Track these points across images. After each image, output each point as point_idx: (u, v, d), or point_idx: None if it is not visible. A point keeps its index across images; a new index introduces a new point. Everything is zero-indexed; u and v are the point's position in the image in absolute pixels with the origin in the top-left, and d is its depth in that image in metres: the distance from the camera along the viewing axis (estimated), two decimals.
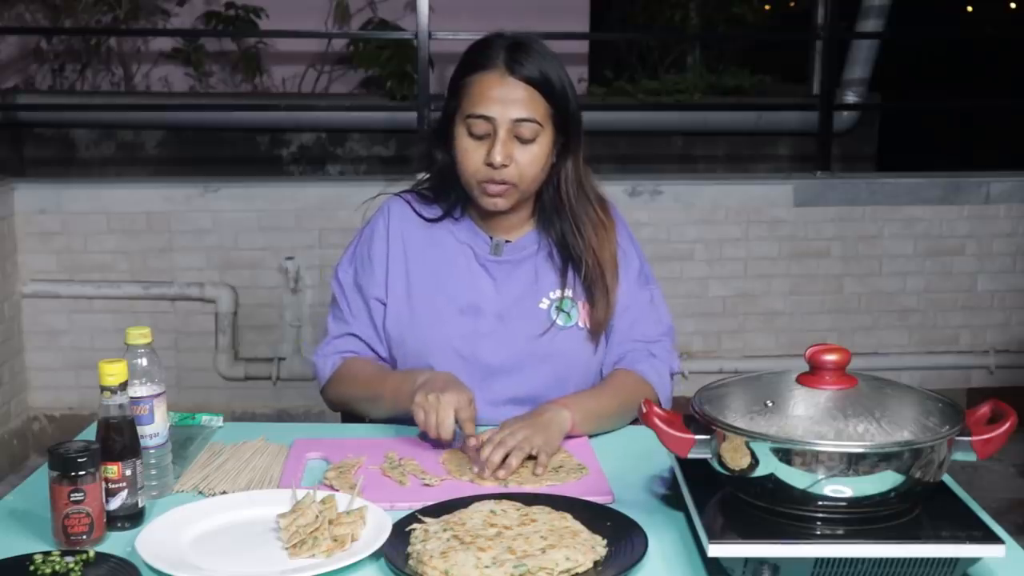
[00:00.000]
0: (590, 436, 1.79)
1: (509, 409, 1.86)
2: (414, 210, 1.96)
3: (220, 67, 5.86)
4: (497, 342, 1.88)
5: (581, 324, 1.90)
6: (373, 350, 1.96)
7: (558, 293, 1.90)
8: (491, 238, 1.93)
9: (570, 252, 1.90)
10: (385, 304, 1.93)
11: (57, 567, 1.28)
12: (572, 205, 1.89)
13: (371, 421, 1.95)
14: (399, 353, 1.92)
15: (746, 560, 1.23)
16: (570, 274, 1.91)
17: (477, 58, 1.83)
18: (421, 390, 1.69)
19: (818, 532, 1.25)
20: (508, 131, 1.79)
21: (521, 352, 1.88)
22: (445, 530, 1.34)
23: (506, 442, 1.62)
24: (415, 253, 1.93)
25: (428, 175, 1.98)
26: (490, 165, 1.79)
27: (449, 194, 1.94)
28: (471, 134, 1.81)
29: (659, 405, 1.38)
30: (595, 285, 1.89)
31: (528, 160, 1.81)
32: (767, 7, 6.88)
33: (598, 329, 1.90)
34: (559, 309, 1.90)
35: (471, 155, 1.81)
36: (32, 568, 1.29)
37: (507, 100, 1.78)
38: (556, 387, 1.84)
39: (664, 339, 1.96)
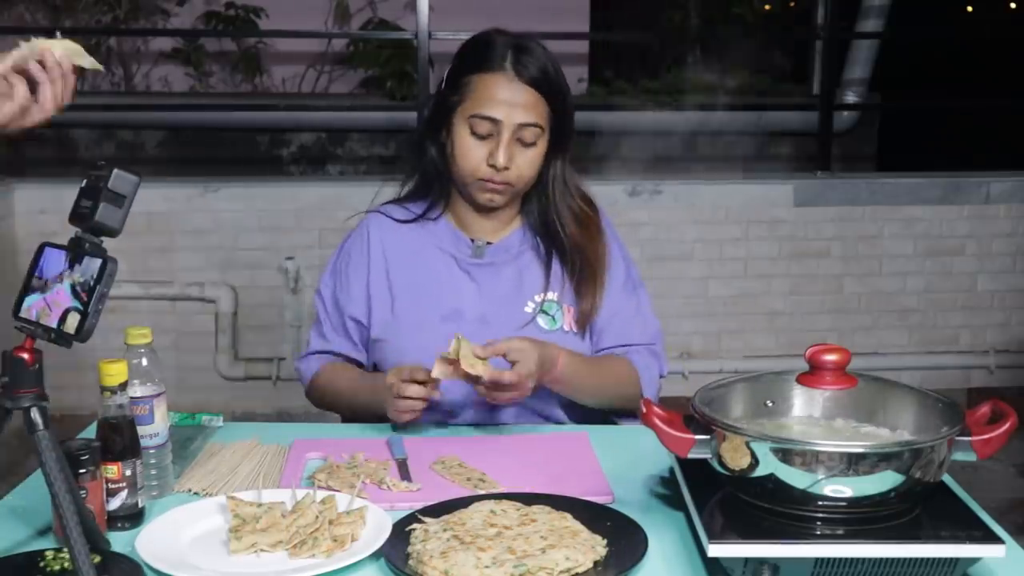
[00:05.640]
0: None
1: (497, 414, 1.87)
2: (392, 218, 1.96)
3: (220, 67, 5.87)
4: None
5: (566, 327, 1.90)
6: (350, 360, 1.98)
7: (543, 295, 1.90)
8: (472, 240, 1.93)
9: (555, 247, 1.91)
10: (362, 323, 1.94)
11: (66, 564, 1.28)
12: (556, 201, 1.90)
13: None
14: (387, 361, 1.91)
15: (746, 560, 1.23)
16: (555, 276, 1.91)
17: (482, 56, 1.83)
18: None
19: (818, 532, 1.25)
20: (512, 133, 1.80)
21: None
22: (445, 530, 1.34)
23: (511, 391, 1.69)
24: (397, 265, 1.93)
25: (412, 180, 1.98)
26: (492, 166, 1.81)
27: (431, 189, 1.94)
28: (473, 133, 1.82)
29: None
30: (582, 279, 1.90)
31: (527, 163, 1.83)
32: (767, 7, 6.88)
33: (583, 323, 1.90)
34: (543, 312, 1.89)
35: (472, 153, 1.82)
36: (43, 564, 1.29)
37: (514, 103, 1.80)
38: (542, 390, 1.83)
39: (653, 344, 1.96)
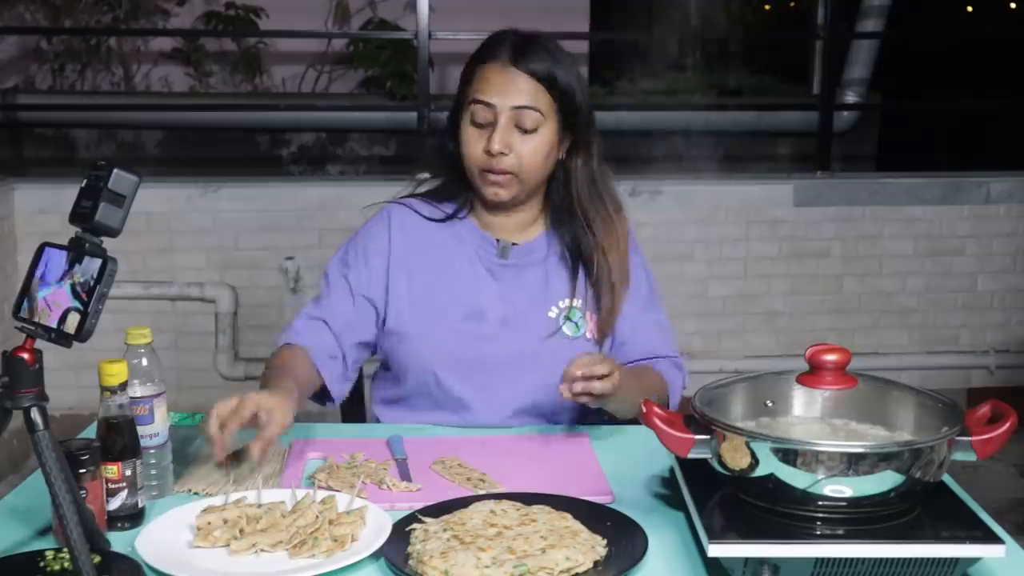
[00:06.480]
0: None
1: (512, 417, 1.86)
2: (417, 212, 1.93)
3: (220, 67, 5.86)
4: (501, 348, 1.85)
5: (588, 335, 1.88)
6: (339, 342, 1.87)
7: (567, 302, 1.88)
8: (497, 241, 1.91)
9: (581, 253, 1.89)
10: (376, 306, 1.90)
11: (66, 564, 1.28)
12: (583, 204, 1.87)
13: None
14: (402, 355, 1.89)
15: (746, 560, 1.23)
16: (580, 282, 1.89)
17: (485, 49, 1.84)
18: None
19: (818, 532, 1.25)
20: (509, 119, 1.79)
21: (526, 360, 1.85)
22: (445, 530, 1.34)
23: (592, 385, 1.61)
24: (418, 258, 1.90)
25: (430, 176, 1.97)
26: (488, 153, 1.80)
27: (459, 190, 1.92)
28: (474, 122, 1.82)
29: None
30: (602, 284, 1.88)
31: (528, 150, 1.81)
32: (767, 7, 6.88)
33: (603, 330, 1.89)
34: (568, 319, 1.88)
35: (473, 143, 1.82)
36: (43, 564, 1.29)
37: (508, 89, 1.79)
38: (540, 389, 1.82)
39: (676, 356, 1.96)
